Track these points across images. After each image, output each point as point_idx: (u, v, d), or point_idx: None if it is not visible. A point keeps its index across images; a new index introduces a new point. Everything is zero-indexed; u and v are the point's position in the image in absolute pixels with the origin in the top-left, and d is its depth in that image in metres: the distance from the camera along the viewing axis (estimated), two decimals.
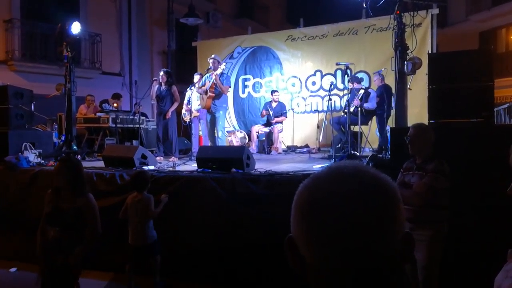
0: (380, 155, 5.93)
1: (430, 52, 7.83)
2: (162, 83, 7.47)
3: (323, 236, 0.68)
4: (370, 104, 7.48)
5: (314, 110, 9.80)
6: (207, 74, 7.67)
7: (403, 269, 0.73)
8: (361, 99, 7.39)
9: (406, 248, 0.72)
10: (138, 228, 4.20)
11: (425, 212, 3.18)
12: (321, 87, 9.70)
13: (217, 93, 7.44)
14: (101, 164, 5.98)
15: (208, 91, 7.36)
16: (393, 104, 7.06)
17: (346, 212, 0.67)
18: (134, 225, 4.22)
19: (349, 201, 0.68)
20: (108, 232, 4.62)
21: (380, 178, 0.73)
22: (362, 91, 7.53)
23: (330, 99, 7.47)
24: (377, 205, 0.69)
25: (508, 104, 8.64)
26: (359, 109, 7.24)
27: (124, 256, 4.47)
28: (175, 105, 7.52)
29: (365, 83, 8.81)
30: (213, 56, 7.66)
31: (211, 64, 7.51)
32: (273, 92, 9.27)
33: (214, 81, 7.33)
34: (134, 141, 8.52)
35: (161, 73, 7.55)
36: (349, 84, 7.29)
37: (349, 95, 7.22)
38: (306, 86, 9.92)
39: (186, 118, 8.37)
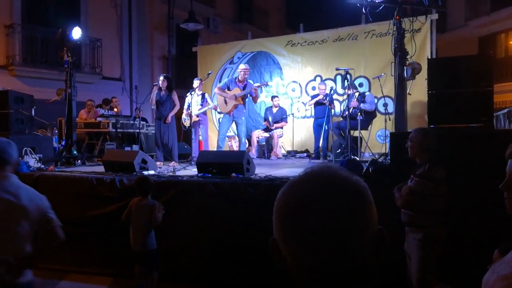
0: (380, 160, 5.93)
1: (429, 57, 7.86)
2: (162, 88, 7.49)
3: (297, 240, 0.72)
4: (368, 105, 7.51)
5: (313, 115, 9.81)
6: (229, 79, 7.96)
7: (377, 266, 0.75)
8: (357, 100, 7.44)
9: (380, 244, 0.75)
10: (140, 234, 4.17)
11: (416, 216, 3.25)
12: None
13: (243, 101, 7.76)
14: (101, 169, 5.98)
15: (239, 98, 7.61)
16: (392, 109, 7.09)
17: (316, 217, 0.70)
18: (136, 230, 4.20)
19: (319, 206, 0.71)
20: (108, 237, 4.63)
21: (350, 180, 0.75)
22: (357, 94, 7.60)
23: (330, 104, 7.50)
24: (346, 207, 0.72)
25: (507, 109, 8.64)
26: (358, 112, 7.26)
27: (126, 261, 4.46)
28: (175, 109, 7.55)
29: (365, 88, 8.85)
30: (244, 68, 7.85)
31: (241, 75, 7.73)
32: (273, 97, 9.30)
33: (253, 92, 7.67)
34: (134, 146, 8.53)
35: (161, 78, 7.58)
36: (346, 90, 7.33)
37: (347, 100, 7.26)
38: (306, 91, 9.94)
39: (186, 123, 8.38)
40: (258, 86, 7.89)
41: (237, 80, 7.71)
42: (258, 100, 10.40)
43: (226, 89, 7.65)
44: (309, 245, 0.70)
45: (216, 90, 7.90)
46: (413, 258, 3.28)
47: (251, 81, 7.94)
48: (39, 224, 2.40)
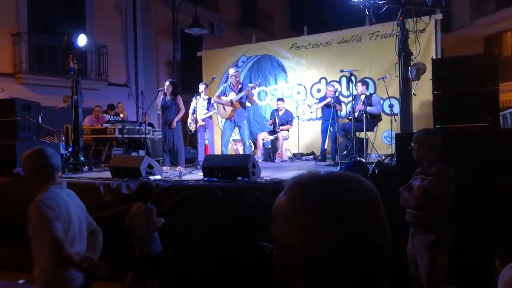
0: (386, 161, 5.91)
1: (434, 57, 7.83)
2: (167, 94, 7.54)
3: (335, 240, 0.70)
4: (375, 109, 7.48)
5: (320, 118, 9.79)
6: (225, 85, 7.96)
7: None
8: (363, 104, 7.42)
9: None
10: (143, 238, 4.21)
11: (426, 217, 3.18)
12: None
13: (242, 104, 7.72)
14: (108, 174, 6.01)
15: (235, 103, 7.59)
16: (397, 110, 7.05)
17: (351, 217, 0.70)
18: (139, 235, 4.24)
19: (352, 207, 0.71)
20: (114, 241, 4.64)
21: (363, 179, 0.76)
22: (363, 96, 7.57)
23: (335, 106, 7.49)
24: (374, 203, 0.74)
25: None
26: (364, 114, 7.24)
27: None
28: (180, 114, 7.59)
29: (370, 90, 8.82)
30: (234, 73, 7.88)
31: (233, 80, 7.77)
32: (278, 100, 9.30)
33: (246, 95, 7.63)
34: (140, 151, 8.56)
35: (167, 83, 7.63)
36: (356, 86, 7.29)
37: (353, 101, 7.24)
38: (311, 94, 9.94)
39: (192, 127, 8.41)
40: (252, 87, 7.93)
41: (231, 85, 7.75)
42: (264, 103, 10.48)
43: (223, 96, 7.68)
44: (345, 245, 0.69)
45: (214, 98, 7.91)
46: (421, 261, 3.21)
47: (246, 83, 7.98)
48: (88, 225, 2.75)
